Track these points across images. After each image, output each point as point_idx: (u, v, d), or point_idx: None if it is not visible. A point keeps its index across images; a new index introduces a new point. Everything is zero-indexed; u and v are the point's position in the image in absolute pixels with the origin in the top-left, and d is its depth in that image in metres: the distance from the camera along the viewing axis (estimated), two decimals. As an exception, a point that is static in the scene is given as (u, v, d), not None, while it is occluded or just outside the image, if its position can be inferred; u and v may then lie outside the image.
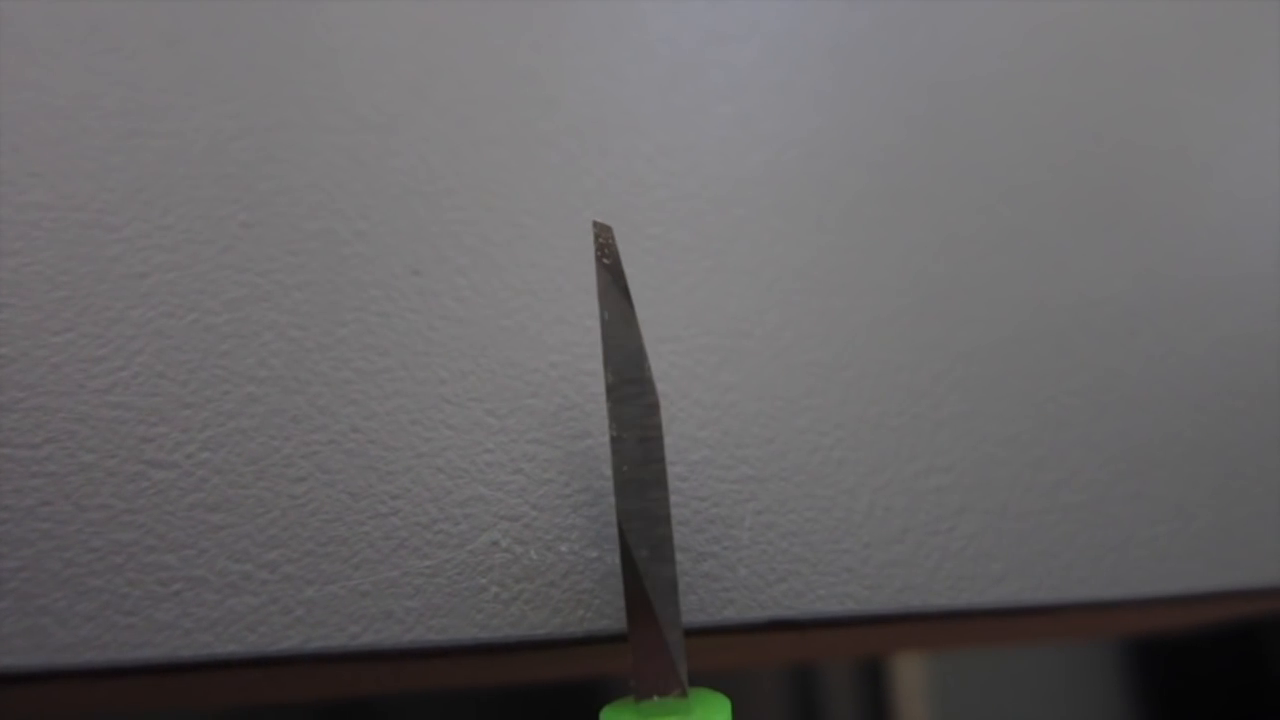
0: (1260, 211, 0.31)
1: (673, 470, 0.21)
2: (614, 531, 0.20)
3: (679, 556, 0.20)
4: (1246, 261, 0.30)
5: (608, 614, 0.19)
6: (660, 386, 0.21)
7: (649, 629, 0.17)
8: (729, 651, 0.23)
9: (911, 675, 0.88)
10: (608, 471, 0.20)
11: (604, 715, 0.17)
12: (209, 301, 0.19)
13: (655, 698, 0.16)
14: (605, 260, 0.18)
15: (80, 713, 0.20)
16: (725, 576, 0.20)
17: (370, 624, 0.17)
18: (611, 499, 0.20)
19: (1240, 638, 0.94)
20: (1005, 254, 0.26)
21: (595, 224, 0.18)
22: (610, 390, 0.17)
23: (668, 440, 0.21)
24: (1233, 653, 0.95)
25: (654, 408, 0.17)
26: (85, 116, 0.20)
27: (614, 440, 0.17)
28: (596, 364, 0.21)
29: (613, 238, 0.18)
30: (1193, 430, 0.27)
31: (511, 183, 0.22)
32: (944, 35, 0.29)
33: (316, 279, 0.20)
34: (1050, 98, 0.29)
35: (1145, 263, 0.28)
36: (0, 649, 0.16)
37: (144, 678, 0.16)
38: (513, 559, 0.19)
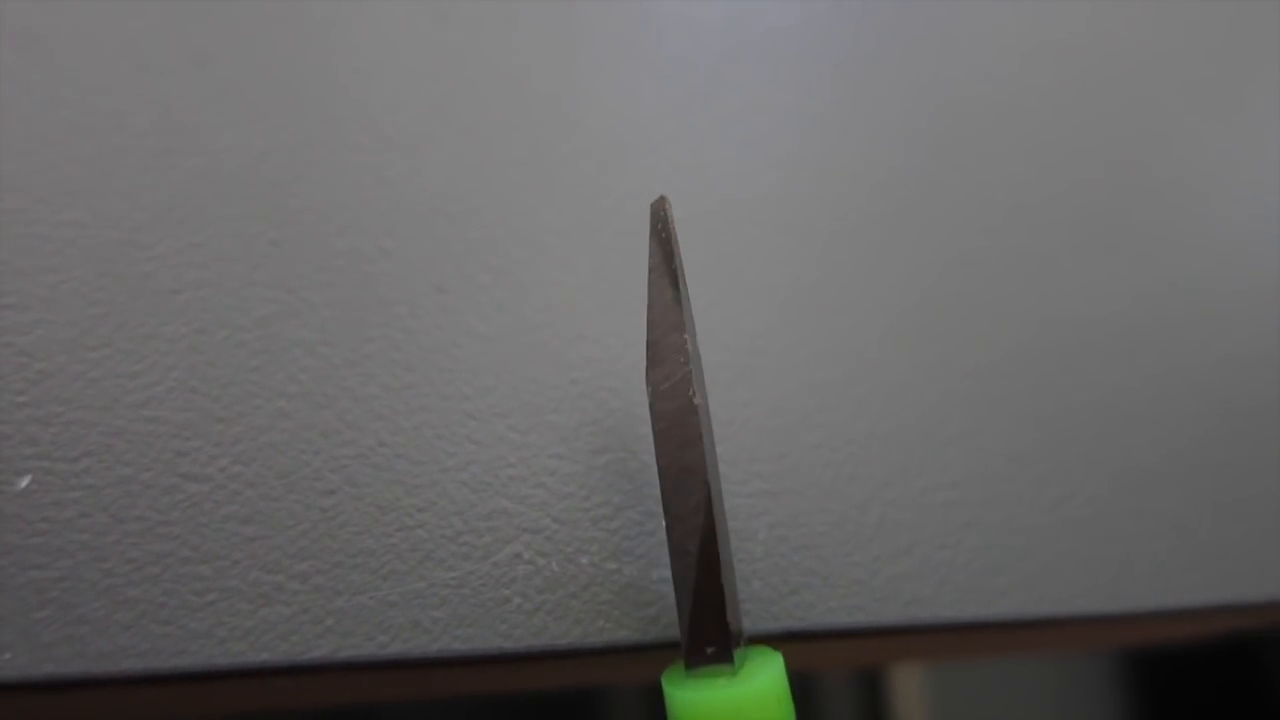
0: (1259, 232, 0.32)
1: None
2: (632, 544, 0.20)
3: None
4: (1246, 281, 0.31)
5: (627, 624, 0.19)
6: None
7: (730, 584, 0.17)
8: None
9: (910, 683, 0.88)
10: (626, 486, 0.21)
11: (666, 680, 0.17)
12: (239, 318, 0.20)
13: (742, 647, 0.17)
14: (665, 238, 0.19)
15: (119, 719, 0.21)
16: (740, 589, 0.21)
17: (398, 634, 0.18)
18: (628, 512, 0.20)
19: (1238, 650, 0.94)
20: (1009, 274, 0.27)
21: (663, 198, 0.19)
22: (693, 361, 0.18)
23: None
24: (1231, 665, 0.95)
25: (701, 377, 0.19)
26: (117, 136, 0.21)
27: (699, 409, 0.18)
28: (614, 380, 0.22)
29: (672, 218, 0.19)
30: (1192, 447, 0.27)
31: (532, 202, 0.23)
32: (950, 60, 0.29)
33: (344, 296, 0.20)
34: (1053, 121, 0.30)
35: (1146, 282, 0.29)
36: (41, 657, 0.16)
37: (180, 685, 0.17)
38: (535, 571, 0.19)
